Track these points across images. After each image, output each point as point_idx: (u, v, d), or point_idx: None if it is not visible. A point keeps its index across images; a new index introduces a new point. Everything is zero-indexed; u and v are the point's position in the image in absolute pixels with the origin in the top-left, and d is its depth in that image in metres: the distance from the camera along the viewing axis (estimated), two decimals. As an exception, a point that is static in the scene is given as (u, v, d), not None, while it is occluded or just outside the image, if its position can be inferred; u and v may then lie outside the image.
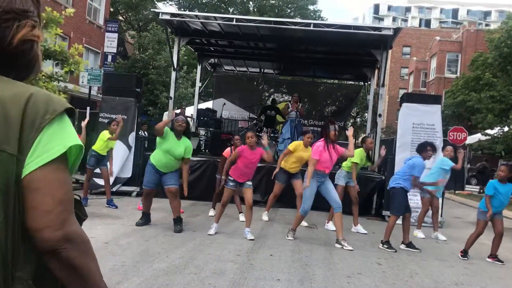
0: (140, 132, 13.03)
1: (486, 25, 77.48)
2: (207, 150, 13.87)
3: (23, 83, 1.09)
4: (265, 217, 8.64)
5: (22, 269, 1.04)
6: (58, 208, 1.03)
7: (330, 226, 8.18)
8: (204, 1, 36.53)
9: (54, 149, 1.04)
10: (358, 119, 34.76)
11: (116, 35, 22.27)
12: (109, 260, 5.07)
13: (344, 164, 8.27)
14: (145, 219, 7.29)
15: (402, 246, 7.01)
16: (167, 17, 11.18)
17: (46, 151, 1.03)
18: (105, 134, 8.73)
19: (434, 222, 8.53)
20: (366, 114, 18.37)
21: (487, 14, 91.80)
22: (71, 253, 1.05)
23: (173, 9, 33.57)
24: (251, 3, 37.84)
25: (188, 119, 14.66)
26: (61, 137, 1.07)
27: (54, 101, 1.08)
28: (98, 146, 8.72)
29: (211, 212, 8.63)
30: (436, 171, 8.31)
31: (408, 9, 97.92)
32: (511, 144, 16.32)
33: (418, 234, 8.23)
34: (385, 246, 6.86)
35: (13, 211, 1.02)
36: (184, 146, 6.87)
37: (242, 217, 8.16)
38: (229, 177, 6.88)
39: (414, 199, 8.95)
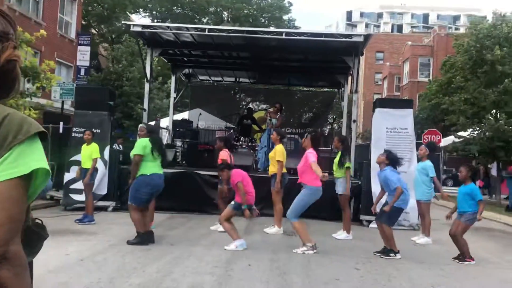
0: (114, 146, 12.88)
1: (456, 29, 79.44)
2: (184, 162, 13.80)
3: (2, 105, 1.14)
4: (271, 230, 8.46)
5: None
6: (7, 225, 1.05)
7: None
8: (177, 12, 36.50)
9: (18, 168, 1.07)
10: (335, 125, 35.13)
11: (88, 48, 22.05)
12: (85, 277, 4.97)
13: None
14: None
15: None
16: (139, 29, 11.14)
17: (10, 168, 1.06)
18: (84, 148, 8.75)
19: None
20: (342, 120, 18.58)
21: (456, 18, 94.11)
22: (5, 272, 1.04)
23: (147, 21, 33.45)
24: (225, 13, 37.97)
25: (164, 130, 14.64)
26: (28, 158, 1.09)
27: (28, 123, 1.12)
28: (83, 161, 8.74)
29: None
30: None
31: (380, 15, 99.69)
32: (485, 145, 16.67)
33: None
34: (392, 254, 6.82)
35: None
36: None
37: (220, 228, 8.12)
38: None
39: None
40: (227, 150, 8.61)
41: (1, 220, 1.04)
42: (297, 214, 6.89)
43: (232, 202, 6.89)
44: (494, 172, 17.97)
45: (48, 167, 1.13)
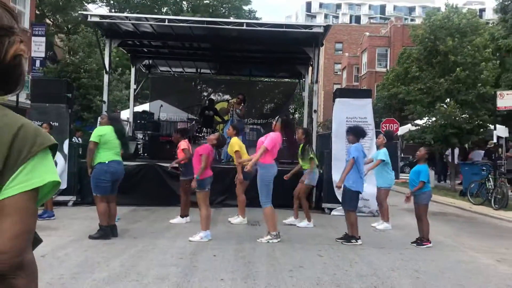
0: (73, 139, 12.59)
1: (411, 19, 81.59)
2: (145, 154, 13.64)
3: (14, 113, 1.16)
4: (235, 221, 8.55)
5: None
6: (23, 236, 1.09)
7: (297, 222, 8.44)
8: (135, 1, 35.75)
9: (33, 180, 1.11)
10: (297, 115, 35.46)
11: (43, 38, 21.29)
12: (46, 274, 4.86)
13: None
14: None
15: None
16: (96, 19, 10.86)
17: (26, 181, 1.09)
18: None
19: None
20: (303, 110, 18.80)
21: (411, 9, 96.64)
22: (20, 281, 1.09)
23: (104, 11, 32.61)
24: (184, 2, 37.49)
25: (124, 122, 14.41)
26: (42, 171, 1.13)
27: (42, 135, 1.15)
28: None
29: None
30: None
31: (338, 6, 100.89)
32: (439, 132, 17.26)
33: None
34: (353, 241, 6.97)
35: None
36: None
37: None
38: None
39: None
40: (186, 140, 8.50)
41: (19, 231, 1.08)
42: (267, 197, 6.83)
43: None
44: (450, 158, 18.65)
45: (59, 179, 1.18)
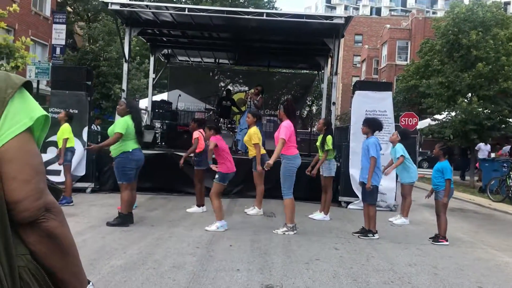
0: (92, 127, 12.71)
1: (433, 12, 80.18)
2: (163, 143, 13.71)
3: None
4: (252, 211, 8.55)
5: (18, 244, 1.08)
6: (36, 177, 1.07)
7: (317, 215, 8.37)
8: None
9: (22, 121, 1.08)
10: (314, 107, 35.24)
11: (64, 26, 21.52)
12: (64, 259, 4.92)
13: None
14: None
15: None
16: (117, 7, 10.87)
17: (15, 124, 1.07)
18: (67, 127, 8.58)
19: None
20: (321, 102, 18.64)
21: (433, 2, 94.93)
22: (52, 222, 1.09)
23: (124, -1, 32.71)
24: (203, -8, 37.35)
25: (143, 111, 14.49)
26: (27, 109, 1.10)
27: (12, 77, 1.13)
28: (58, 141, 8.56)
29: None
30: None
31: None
32: (459, 128, 16.99)
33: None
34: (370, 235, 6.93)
35: None
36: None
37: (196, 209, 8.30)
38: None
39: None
40: (201, 130, 8.47)
41: (29, 175, 1.06)
42: (290, 189, 6.82)
43: (216, 176, 6.86)
44: (481, 154, 18.26)
45: (46, 113, 1.15)
